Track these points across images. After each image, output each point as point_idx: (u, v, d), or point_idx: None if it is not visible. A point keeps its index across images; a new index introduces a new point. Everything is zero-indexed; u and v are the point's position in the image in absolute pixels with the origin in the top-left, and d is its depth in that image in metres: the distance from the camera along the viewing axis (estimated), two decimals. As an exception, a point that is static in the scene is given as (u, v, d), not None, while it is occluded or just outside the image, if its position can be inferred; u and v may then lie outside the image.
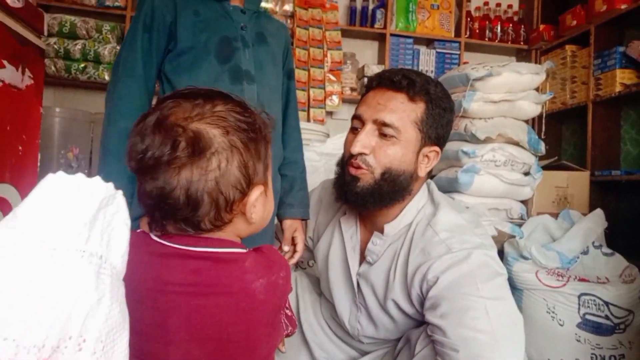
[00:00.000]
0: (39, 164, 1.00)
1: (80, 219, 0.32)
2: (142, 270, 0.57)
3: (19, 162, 0.93)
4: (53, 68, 2.62)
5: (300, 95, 2.91)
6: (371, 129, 0.99)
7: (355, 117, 1.04)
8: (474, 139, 1.92)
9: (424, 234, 0.98)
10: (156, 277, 0.57)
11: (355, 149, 0.98)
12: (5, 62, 0.84)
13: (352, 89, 3.16)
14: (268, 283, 0.60)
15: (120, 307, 0.33)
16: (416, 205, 1.04)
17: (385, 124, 0.98)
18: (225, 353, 0.59)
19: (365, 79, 3.10)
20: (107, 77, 2.62)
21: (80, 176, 0.34)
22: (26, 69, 0.92)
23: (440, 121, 1.02)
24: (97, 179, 0.35)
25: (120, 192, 0.37)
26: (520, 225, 1.86)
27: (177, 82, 1.02)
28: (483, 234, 1.00)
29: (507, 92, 1.98)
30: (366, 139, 0.99)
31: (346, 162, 1.03)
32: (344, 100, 3.10)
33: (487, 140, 1.90)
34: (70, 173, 1.42)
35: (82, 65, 2.62)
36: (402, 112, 0.98)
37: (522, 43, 3.34)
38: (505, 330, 0.85)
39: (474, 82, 1.95)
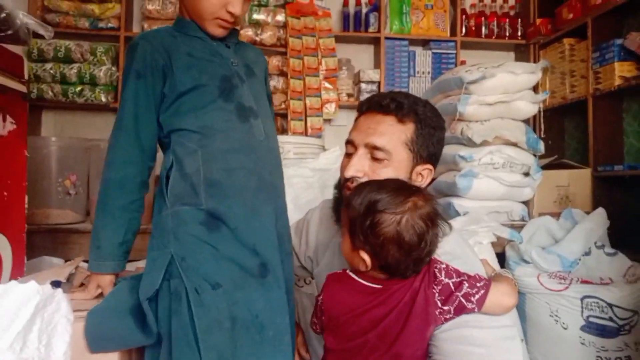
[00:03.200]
0: (26, 205, 1.01)
1: (14, 329, 0.33)
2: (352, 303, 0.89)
3: (6, 208, 0.95)
4: (51, 93, 2.65)
5: (297, 105, 2.91)
6: (363, 153, 1.01)
7: (348, 142, 1.06)
8: (470, 143, 1.91)
9: None
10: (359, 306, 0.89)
11: (349, 172, 1.01)
12: (-17, 114, 0.85)
13: (349, 95, 3.15)
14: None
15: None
16: None
17: (376, 148, 1.00)
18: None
19: (362, 84, 3.09)
20: (103, 99, 2.65)
21: (12, 284, 0.35)
22: (7, 116, 0.94)
23: (431, 140, 1.03)
24: (32, 283, 0.36)
25: (59, 290, 0.38)
26: (521, 228, 1.85)
27: (180, 124, 0.98)
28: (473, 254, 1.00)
29: (502, 93, 1.95)
30: (359, 163, 1.01)
31: (342, 185, 1.04)
32: (341, 107, 3.09)
33: (484, 143, 1.89)
34: (68, 200, 1.40)
35: (79, 88, 2.64)
36: (392, 134, 1.00)
37: (519, 38, 3.30)
38: (500, 344, 0.87)
39: (468, 85, 1.93)
